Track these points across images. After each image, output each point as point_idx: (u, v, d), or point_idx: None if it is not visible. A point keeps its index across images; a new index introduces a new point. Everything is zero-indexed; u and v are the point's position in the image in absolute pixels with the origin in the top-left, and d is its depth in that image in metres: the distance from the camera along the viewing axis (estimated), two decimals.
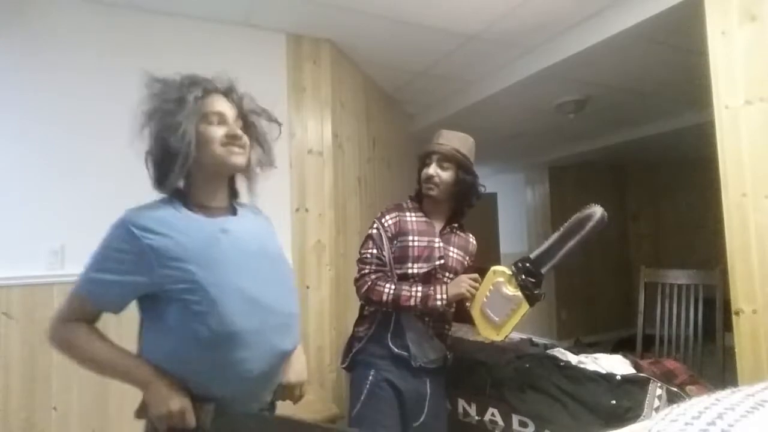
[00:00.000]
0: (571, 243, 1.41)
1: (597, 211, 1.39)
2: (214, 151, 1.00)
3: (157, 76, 1.01)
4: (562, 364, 1.63)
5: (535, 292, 1.42)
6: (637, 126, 4.27)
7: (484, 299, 1.47)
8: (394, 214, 1.60)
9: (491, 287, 1.47)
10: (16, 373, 1.79)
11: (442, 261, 1.58)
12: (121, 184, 1.97)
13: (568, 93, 3.27)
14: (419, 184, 1.65)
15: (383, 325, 1.54)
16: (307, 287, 2.35)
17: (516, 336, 1.98)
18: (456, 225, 1.67)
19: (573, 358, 1.68)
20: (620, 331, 5.25)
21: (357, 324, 1.63)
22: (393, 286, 1.49)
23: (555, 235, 1.45)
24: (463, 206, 1.67)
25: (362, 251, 1.58)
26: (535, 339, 2.18)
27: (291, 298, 1.09)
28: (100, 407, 1.89)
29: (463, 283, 1.49)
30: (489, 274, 1.48)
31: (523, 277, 1.42)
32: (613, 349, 2.50)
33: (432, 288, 1.49)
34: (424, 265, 1.54)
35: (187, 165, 0.97)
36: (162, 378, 0.92)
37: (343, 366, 1.63)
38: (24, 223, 1.85)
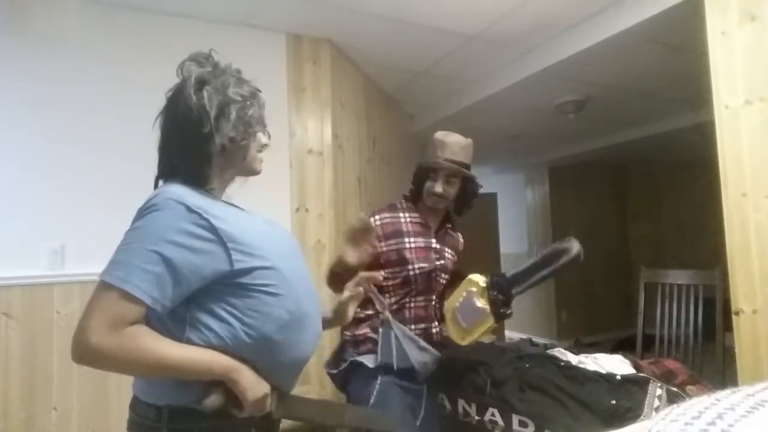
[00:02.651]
0: (542, 273, 1.37)
1: (574, 247, 1.33)
2: (253, 155, 1.01)
3: (223, 64, 0.98)
4: (562, 364, 1.63)
5: (502, 310, 1.38)
6: (637, 126, 4.28)
7: (457, 304, 1.45)
8: (386, 215, 1.56)
9: (465, 294, 1.43)
10: (16, 373, 1.79)
11: (441, 262, 1.57)
12: (120, 184, 1.98)
13: (568, 93, 3.27)
14: (416, 189, 1.61)
15: (385, 342, 1.47)
16: None
17: (516, 336, 1.98)
18: (450, 225, 1.66)
19: (573, 358, 1.68)
20: (620, 331, 5.26)
21: (351, 326, 1.54)
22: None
23: (532, 261, 1.40)
24: (462, 210, 1.66)
25: None
26: (535, 339, 2.18)
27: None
28: (100, 407, 1.89)
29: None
30: (466, 280, 1.44)
31: (495, 293, 1.38)
32: (613, 349, 2.50)
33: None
34: (425, 264, 1.52)
35: (234, 160, 0.96)
36: (244, 362, 0.87)
37: (336, 370, 1.53)
38: (24, 223, 1.85)
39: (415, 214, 1.59)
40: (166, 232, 0.82)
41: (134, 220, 0.86)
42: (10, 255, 1.81)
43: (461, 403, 1.73)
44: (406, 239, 1.53)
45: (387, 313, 1.47)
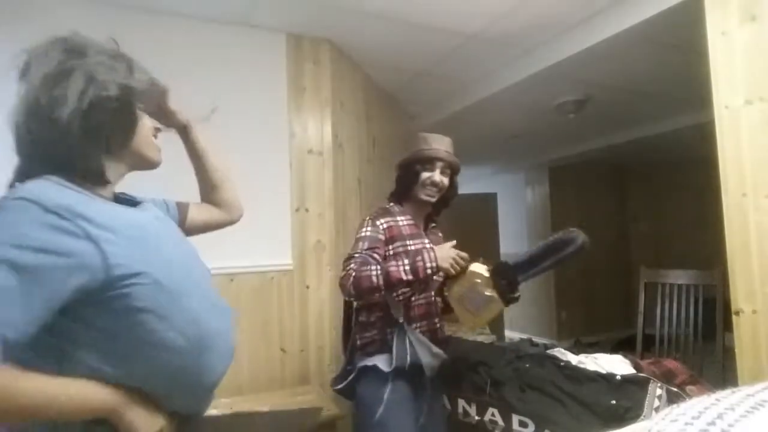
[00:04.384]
0: (547, 262, 1.41)
1: (579, 237, 1.37)
2: (140, 141, 0.87)
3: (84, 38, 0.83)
4: (562, 364, 1.63)
5: (511, 295, 1.44)
6: (637, 126, 4.28)
7: (463, 291, 1.48)
8: (387, 218, 1.58)
9: (469, 284, 1.47)
10: None
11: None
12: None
13: (568, 93, 3.27)
14: (406, 185, 1.63)
15: (400, 345, 1.49)
16: (307, 287, 2.35)
17: (516, 336, 1.99)
18: (434, 224, 1.73)
19: (573, 358, 1.68)
20: (620, 331, 5.26)
21: (359, 331, 1.57)
22: (378, 267, 1.41)
23: (536, 249, 1.44)
24: (443, 207, 1.72)
25: (351, 252, 1.51)
26: (535, 339, 2.18)
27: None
28: None
29: (449, 259, 1.43)
30: (469, 272, 1.46)
31: (501, 281, 1.43)
32: (613, 349, 2.50)
33: (419, 257, 1.41)
34: None
35: (116, 149, 0.82)
36: (133, 396, 0.76)
37: (344, 382, 1.56)
38: None
39: (408, 216, 1.62)
40: (13, 238, 0.65)
41: None
42: None
43: (461, 403, 1.73)
44: (407, 241, 1.56)
45: (401, 319, 1.51)
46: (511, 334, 5.23)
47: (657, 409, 1.40)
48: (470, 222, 5.85)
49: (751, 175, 1.53)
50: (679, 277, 2.47)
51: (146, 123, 0.88)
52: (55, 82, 0.76)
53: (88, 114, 0.76)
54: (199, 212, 1.11)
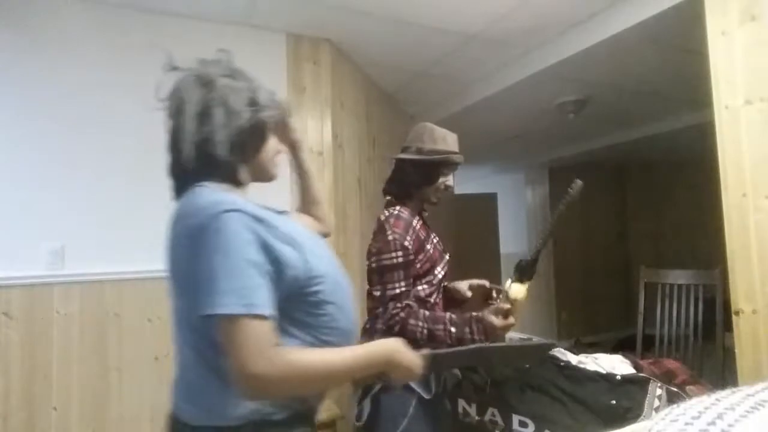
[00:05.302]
0: (553, 226, 1.42)
1: (574, 186, 1.33)
2: (270, 156, 0.98)
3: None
4: (562, 364, 1.63)
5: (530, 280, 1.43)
6: (637, 126, 4.28)
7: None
8: (409, 230, 1.44)
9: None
10: (16, 373, 1.79)
11: (448, 254, 1.59)
12: (121, 184, 1.98)
13: (568, 93, 3.27)
14: (420, 185, 1.53)
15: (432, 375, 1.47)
16: None
17: (516, 336, 1.98)
18: (425, 212, 1.65)
19: (573, 358, 1.68)
20: (620, 331, 5.26)
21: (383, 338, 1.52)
22: (425, 325, 1.38)
23: (543, 239, 1.43)
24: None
25: (390, 285, 1.40)
26: (536, 339, 2.18)
27: None
28: (100, 407, 1.89)
29: (495, 333, 1.38)
30: (519, 303, 1.40)
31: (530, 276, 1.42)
32: (613, 349, 2.50)
33: (468, 329, 1.37)
34: (443, 263, 1.55)
35: (255, 156, 0.94)
36: (389, 341, 0.94)
37: (365, 413, 1.43)
38: (24, 223, 1.85)
39: (417, 217, 1.53)
40: (248, 243, 0.78)
41: (197, 238, 0.78)
42: (10, 255, 1.81)
43: (461, 403, 1.73)
44: (427, 246, 1.49)
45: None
46: (511, 334, 5.22)
47: (657, 409, 1.40)
48: (470, 222, 5.85)
49: (751, 175, 1.53)
50: (679, 277, 2.46)
51: (273, 143, 1.00)
52: (201, 121, 0.86)
53: (233, 139, 0.87)
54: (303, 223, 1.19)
